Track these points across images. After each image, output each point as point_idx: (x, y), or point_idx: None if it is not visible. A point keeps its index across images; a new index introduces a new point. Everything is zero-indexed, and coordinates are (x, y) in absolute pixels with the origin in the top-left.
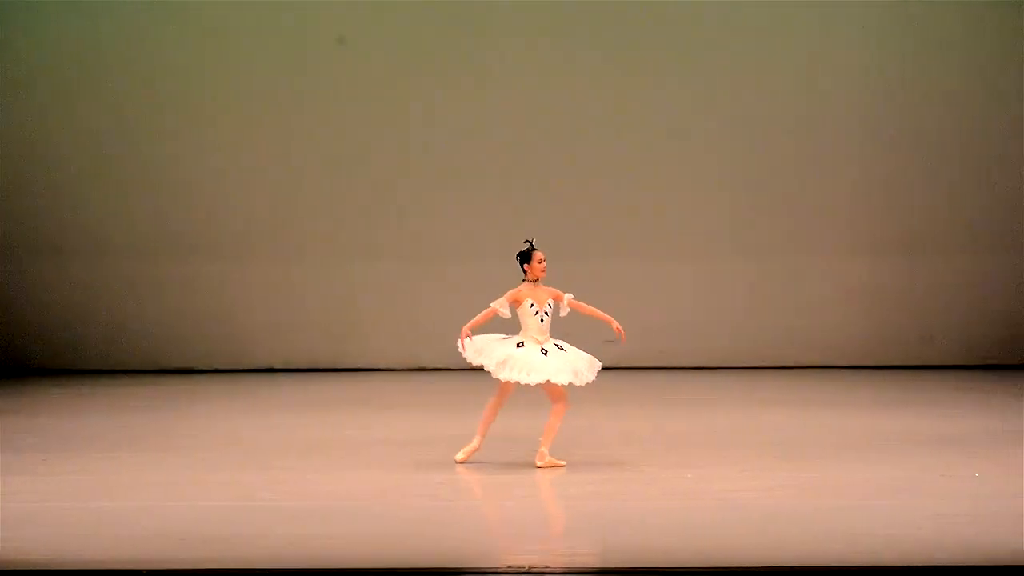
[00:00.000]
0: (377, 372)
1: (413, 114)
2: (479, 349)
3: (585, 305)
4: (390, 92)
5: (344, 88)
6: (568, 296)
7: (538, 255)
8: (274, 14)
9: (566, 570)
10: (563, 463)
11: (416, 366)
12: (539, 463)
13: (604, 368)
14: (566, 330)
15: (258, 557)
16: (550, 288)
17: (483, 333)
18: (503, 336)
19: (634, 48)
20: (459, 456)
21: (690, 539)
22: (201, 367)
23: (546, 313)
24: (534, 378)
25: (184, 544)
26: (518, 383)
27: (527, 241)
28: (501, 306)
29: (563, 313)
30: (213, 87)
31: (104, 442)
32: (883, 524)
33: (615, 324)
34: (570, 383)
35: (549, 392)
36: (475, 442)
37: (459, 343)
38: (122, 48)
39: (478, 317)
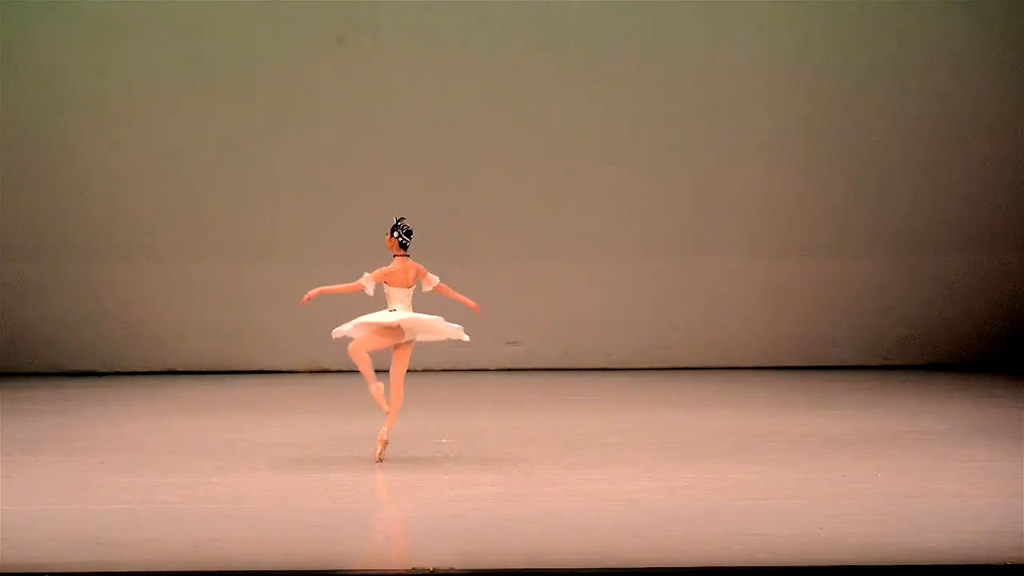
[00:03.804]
0: (278, 374)
1: (312, 115)
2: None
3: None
4: (289, 91)
5: (236, 89)
6: (435, 278)
7: None
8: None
9: (470, 572)
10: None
11: (317, 368)
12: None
13: (506, 369)
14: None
15: (157, 560)
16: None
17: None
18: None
19: (557, 50)
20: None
21: (595, 539)
22: (101, 370)
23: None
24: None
25: (83, 547)
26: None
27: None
28: (367, 281)
29: (426, 289)
30: (115, 80)
31: (4, 445)
32: (785, 524)
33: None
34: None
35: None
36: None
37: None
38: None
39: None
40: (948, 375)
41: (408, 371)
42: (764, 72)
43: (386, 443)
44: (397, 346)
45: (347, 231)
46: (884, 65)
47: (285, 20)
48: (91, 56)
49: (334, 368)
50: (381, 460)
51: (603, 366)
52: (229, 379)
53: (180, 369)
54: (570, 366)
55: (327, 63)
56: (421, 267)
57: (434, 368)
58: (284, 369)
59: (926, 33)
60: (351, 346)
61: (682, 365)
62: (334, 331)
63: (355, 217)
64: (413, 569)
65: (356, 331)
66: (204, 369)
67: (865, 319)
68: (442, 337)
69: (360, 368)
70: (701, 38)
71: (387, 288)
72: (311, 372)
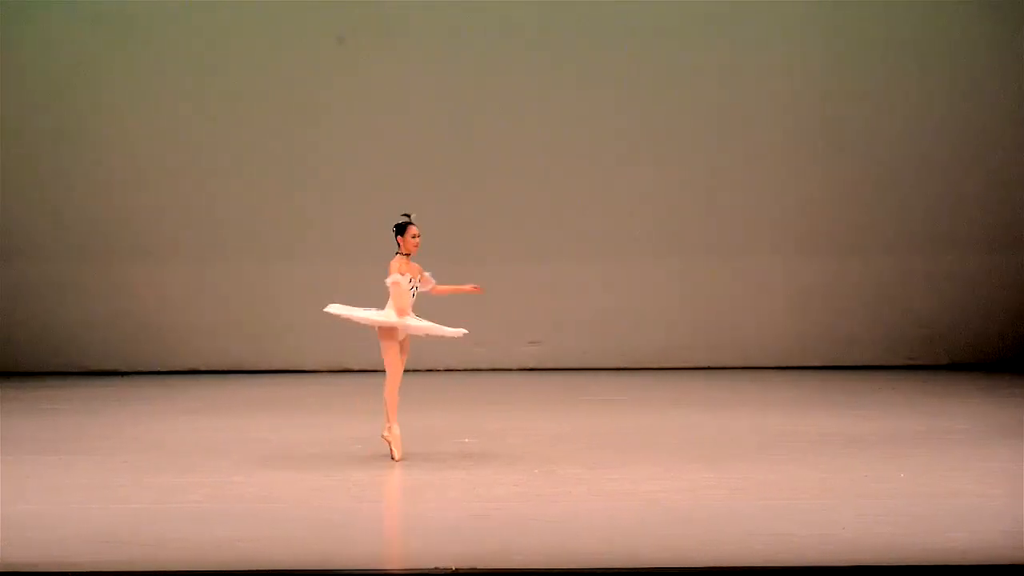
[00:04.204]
0: (300, 374)
1: (337, 114)
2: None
3: (445, 287)
4: (312, 90)
5: (267, 88)
6: (428, 275)
7: (413, 229)
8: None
9: (493, 571)
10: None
11: (339, 367)
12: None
13: (528, 369)
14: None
15: (180, 559)
16: (416, 264)
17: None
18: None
19: (562, 49)
20: (396, 456)
21: (617, 539)
22: (124, 369)
23: (415, 288)
24: (359, 314)
25: (106, 547)
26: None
27: (406, 215)
28: (401, 279)
29: (424, 288)
30: (141, 81)
31: (26, 445)
32: (808, 524)
33: (469, 287)
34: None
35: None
36: (394, 430)
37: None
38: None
39: (401, 298)
40: (970, 375)
41: (429, 370)
42: (784, 72)
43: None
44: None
45: (369, 231)
46: (905, 65)
47: (309, 18)
48: (113, 57)
49: (356, 368)
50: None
51: (623, 366)
52: (251, 379)
53: (202, 369)
54: (591, 366)
55: (354, 62)
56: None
57: (456, 368)
58: (306, 369)
59: (947, 34)
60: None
61: (703, 365)
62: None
63: (377, 217)
64: (436, 569)
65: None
66: (226, 369)
67: (886, 319)
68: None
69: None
70: (723, 38)
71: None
72: (333, 372)
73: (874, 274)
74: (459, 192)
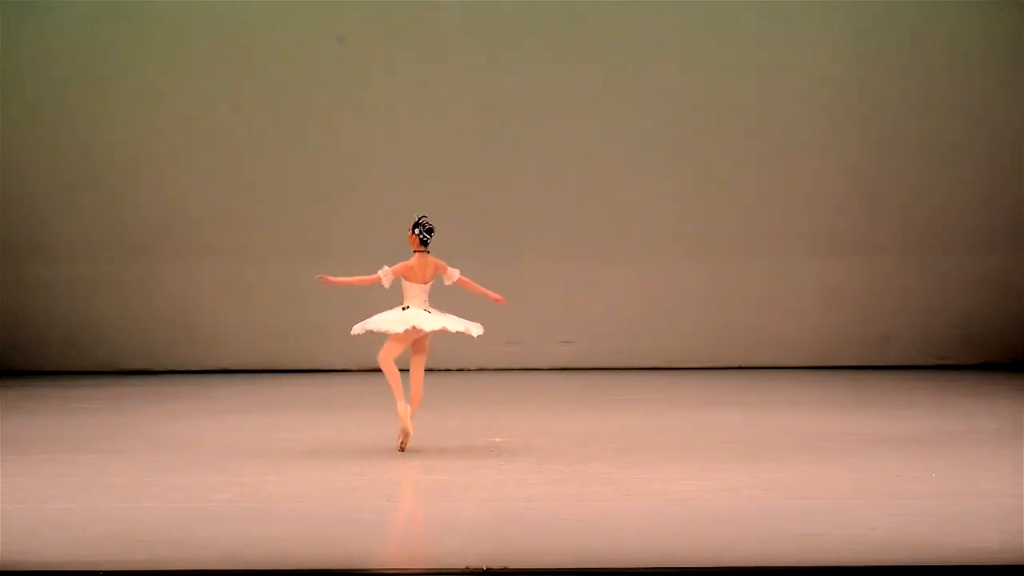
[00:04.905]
0: (331, 373)
1: (367, 116)
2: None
3: (473, 283)
4: (342, 91)
5: (289, 88)
6: (456, 271)
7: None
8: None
9: (523, 570)
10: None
11: (371, 367)
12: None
13: (560, 369)
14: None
15: (213, 559)
16: (436, 260)
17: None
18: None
19: (590, 47)
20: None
21: (650, 539)
22: (157, 368)
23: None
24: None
25: (138, 545)
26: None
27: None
28: (384, 275)
29: (448, 283)
30: (167, 81)
31: (59, 444)
32: (840, 524)
33: (493, 296)
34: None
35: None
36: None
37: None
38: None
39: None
40: (1002, 375)
41: (461, 370)
42: (815, 73)
43: (409, 434)
44: (415, 340)
45: (401, 231)
46: (936, 65)
47: (344, 17)
48: (144, 59)
49: None
50: (403, 450)
51: (655, 365)
52: (282, 378)
53: (233, 368)
54: (623, 366)
55: (381, 63)
56: (441, 262)
57: (487, 367)
58: (338, 368)
59: (982, 32)
60: (380, 356)
61: (735, 365)
62: (353, 329)
63: (408, 217)
64: (466, 568)
65: (375, 326)
66: (257, 368)
67: (918, 319)
68: (453, 329)
69: (389, 380)
70: (754, 37)
71: (404, 283)
72: (365, 371)
73: (905, 274)
74: (489, 192)
